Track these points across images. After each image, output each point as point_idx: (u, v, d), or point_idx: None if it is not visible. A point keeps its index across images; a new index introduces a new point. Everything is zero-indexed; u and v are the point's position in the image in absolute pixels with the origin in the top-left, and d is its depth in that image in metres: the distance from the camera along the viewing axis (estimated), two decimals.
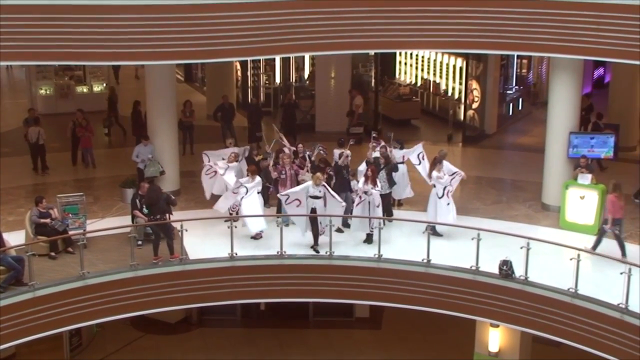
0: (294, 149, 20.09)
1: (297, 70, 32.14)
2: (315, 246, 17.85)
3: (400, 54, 33.20)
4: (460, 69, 29.27)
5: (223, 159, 19.55)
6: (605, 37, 17.55)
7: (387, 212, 19.16)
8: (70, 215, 18.11)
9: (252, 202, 18.11)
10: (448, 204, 18.66)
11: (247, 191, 18.18)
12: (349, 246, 17.99)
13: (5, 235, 16.66)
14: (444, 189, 18.61)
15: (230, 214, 18.69)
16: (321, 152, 20.18)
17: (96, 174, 23.58)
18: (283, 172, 19.00)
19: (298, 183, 18.84)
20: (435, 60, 31.22)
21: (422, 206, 19.67)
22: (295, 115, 27.20)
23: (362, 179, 18.28)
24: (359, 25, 19.01)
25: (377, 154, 19.63)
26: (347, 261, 17.46)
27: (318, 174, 18.09)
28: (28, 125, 24.00)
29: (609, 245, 17.57)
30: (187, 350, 21.37)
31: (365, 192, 17.97)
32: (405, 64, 33.57)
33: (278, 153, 19.94)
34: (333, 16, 18.85)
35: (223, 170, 19.13)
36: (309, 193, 17.90)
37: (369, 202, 18.05)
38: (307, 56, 30.62)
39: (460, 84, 29.29)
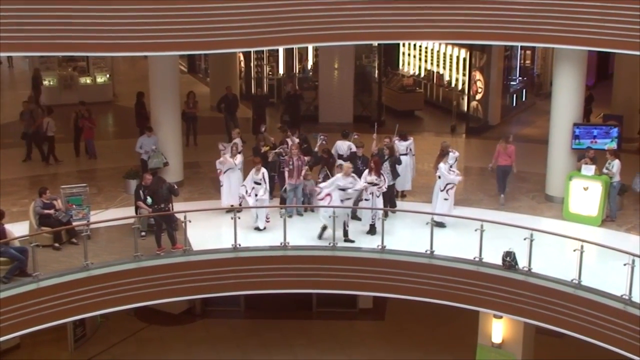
0: (297, 140, 20.14)
1: (301, 61, 32.12)
2: (347, 237, 17.85)
3: (403, 45, 33.16)
4: (464, 60, 29.25)
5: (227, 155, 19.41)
6: (609, 27, 17.53)
7: (391, 204, 19.17)
8: (74, 206, 18.13)
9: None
10: (446, 199, 18.68)
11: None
12: (352, 237, 17.98)
13: (9, 226, 16.69)
14: (446, 184, 18.60)
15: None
16: (323, 142, 20.20)
17: (100, 165, 23.59)
18: (290, 163, 19.01)
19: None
20: (438, 52, 31.19)
21: (425, 197, 19.68)
22: (299, 107, 27.19)
23: (366, 171, 18.31)
24: (362, 16, 18.99)
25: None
26: (350, 252, 17.46)
27: (347, 163, 18.09)
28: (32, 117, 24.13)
29: (612, 239, 17.62)
30: (191, 341, 21.40)
31: (372, 184, 18.03)
32: (409, 55, 33.54)
33: (281, 144, 19.96)
34: (336, 7, 18.83)
35: (223, 170, 19.13)
36: (339, 185, 17.85)
37: (372, 193, 18.11)
38: (310, 47, 30.60)
39: (464, 75, 29.28)
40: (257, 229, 18.39)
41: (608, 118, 23.75)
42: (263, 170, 18.51)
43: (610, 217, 19.11)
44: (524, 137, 26.57)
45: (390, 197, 19.19)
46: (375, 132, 20.44)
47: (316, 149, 20.13)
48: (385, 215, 18.06)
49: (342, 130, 21.15)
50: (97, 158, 24.09)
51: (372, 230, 18.19)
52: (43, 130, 23.61)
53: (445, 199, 18.67)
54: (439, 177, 18.70)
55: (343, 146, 20.40)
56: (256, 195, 18.43)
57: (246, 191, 18.42)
